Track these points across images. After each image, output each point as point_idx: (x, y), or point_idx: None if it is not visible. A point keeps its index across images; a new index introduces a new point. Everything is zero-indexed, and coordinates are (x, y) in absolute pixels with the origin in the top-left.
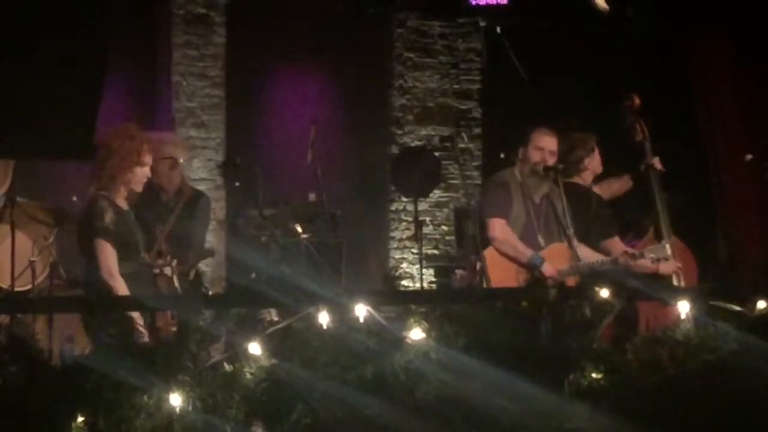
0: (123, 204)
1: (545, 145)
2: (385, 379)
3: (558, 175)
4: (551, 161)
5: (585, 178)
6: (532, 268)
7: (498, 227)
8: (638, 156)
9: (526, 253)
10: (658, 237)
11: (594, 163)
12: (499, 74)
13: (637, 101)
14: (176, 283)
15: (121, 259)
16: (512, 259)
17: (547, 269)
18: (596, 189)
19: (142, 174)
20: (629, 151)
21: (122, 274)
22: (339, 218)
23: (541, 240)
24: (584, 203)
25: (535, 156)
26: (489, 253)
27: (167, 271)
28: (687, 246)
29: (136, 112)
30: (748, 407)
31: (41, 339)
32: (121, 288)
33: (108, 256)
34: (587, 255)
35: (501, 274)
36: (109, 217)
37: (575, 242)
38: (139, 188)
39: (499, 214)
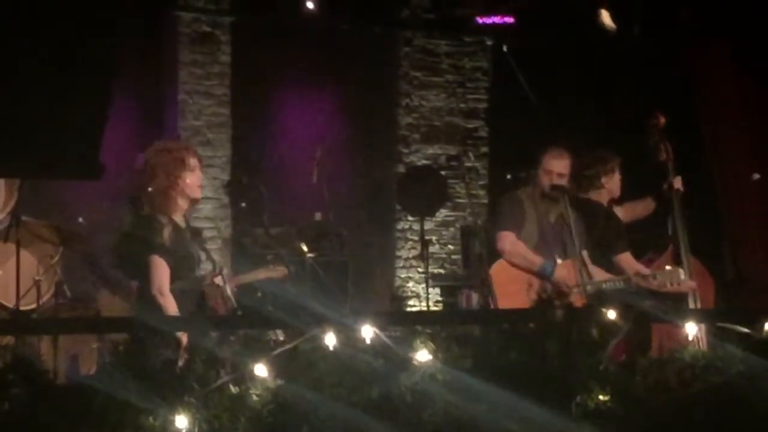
0: (180, 220)
1: (553, 168)
2: (392, 401)
3: (565, 194)
4: (562, 182)
5: (600, 197)
6: (543, 276)
7: (508, 240)
8: (658, 176)
9: (536, 261)
10: (677, 256)
11: (612, 184)
12: (506, 93)
13: (662, 120)
14: (228, 293)
15: (177, 276)
16: (524, 270)
17: (559, 275)
18: (619, 211)
19: (194, 179)
20: (641, 169)
21: (179, 291)
22: (345, 237)
23: (558, 258)
24: (594, 218)
25: (544, 179)
26: (497, 268)
27: (218, 280)
28: (705, 267)
29: (143, 131)
30: (756, 429)
31: (46, 359)
32: (171, 306)
33: (161, 273)
34: (598, 275)
35: (510, 288)
36: (166, 233)
37: (588, 261)
38: (196, 194)
39: (509, 228)
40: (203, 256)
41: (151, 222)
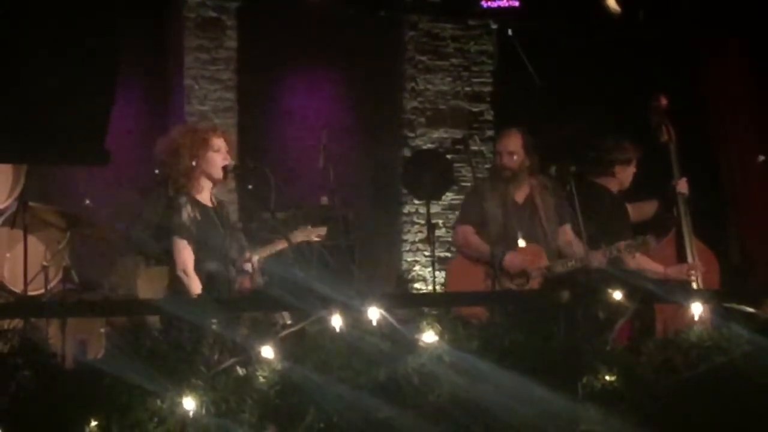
0: (206, 201)
1: (501, 147)
2: (398, 383)
3: (570, 175)
4: (511, 161)
5: (610, 185)
6: (495, 262)
7: (460, 235)
8: (660, 163)
9: (486, 251)
10: (680, 239)
11: (624, 175)
12: (511, 76)
13: (664, 102)
14: (259, 280)
15: (204, 256)
16: (479, 261)
17: (509, 260)
18: (628, 209)
19: (218, 159)
20: (645, 153)
21: (206, 273)
22: (351, 221)
23: (521, 240)
24: (597, 203)
25: (496, 159)
26: (454, 264)
27: (248, 267)
28: (709, 249)
29: (149, 116)
30: (762, 409)
31: (54, 343)
32: (196, 287)
33: (183, 254)
34: (574, 249)
35: (465, 285)
36: (185, 214)
37: (569, 239)
38: (218, 174)
39: (465, 221)
40: (232, 238)
41: (172, 204)
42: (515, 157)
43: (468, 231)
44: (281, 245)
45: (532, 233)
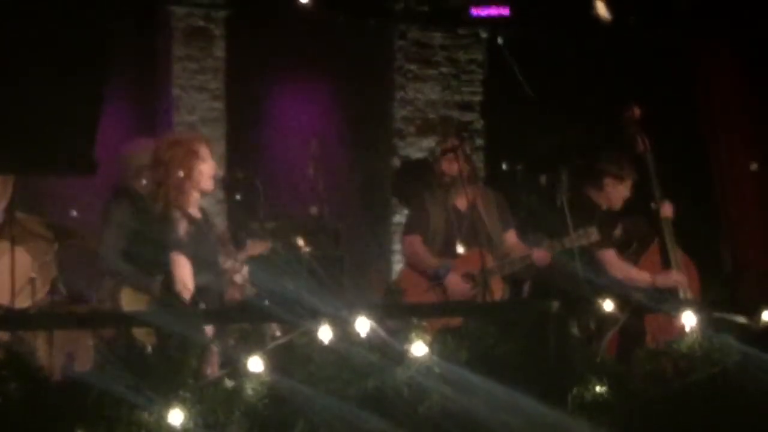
0: (196, 212)
1: (439, 154)
2: (387, 394)
3: (559, 183)
4: (450, 168)
5: (598, 199)
6: (436, 279)
7: (407, 245)
8: (641, 169)
9: (432, 264)
10: (663, 249)
11: (614, 192)
12: (501, 85)
13: (637, 112)
14: (248, 292)
15: (199, 270)
16: (423, 274)
17: (451, 280)
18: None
19: (207, 170)
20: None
21: (199, 287)
22: (341, 231)
23: (460, 247)
24: (585, 213)
25: (434, 166)
26: (402, 273)
27: (237, 278)
28: (690, 259)
29: (137, 126)
30: (753, 420)
31: (42, 356)
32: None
33: (182, 268)
34: (521, 251)
35: (410, 295)
36: (182, 228)
37: (518, 243)
38: (209, 186)
39: (411, 232)
40: (222, 248)
41: (165, 219)
42: (454, 164)
43: (416, 241)
44: (259, 248)
45: (476, 239)
